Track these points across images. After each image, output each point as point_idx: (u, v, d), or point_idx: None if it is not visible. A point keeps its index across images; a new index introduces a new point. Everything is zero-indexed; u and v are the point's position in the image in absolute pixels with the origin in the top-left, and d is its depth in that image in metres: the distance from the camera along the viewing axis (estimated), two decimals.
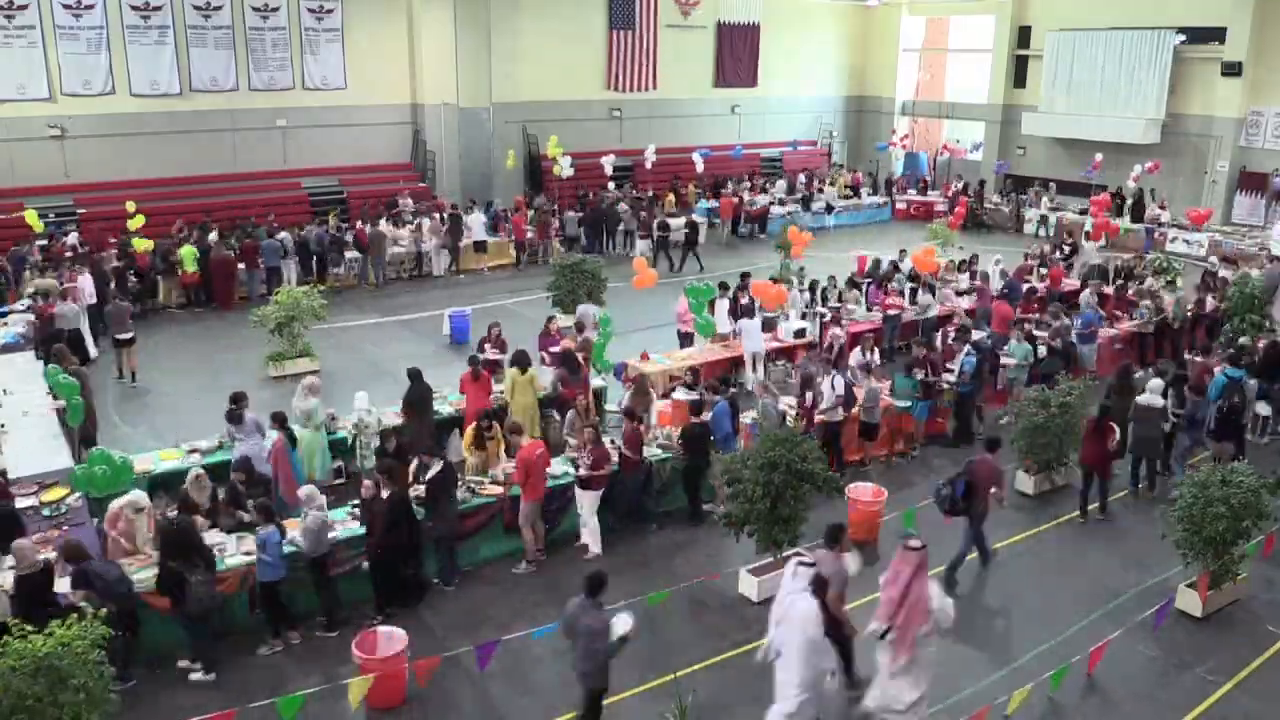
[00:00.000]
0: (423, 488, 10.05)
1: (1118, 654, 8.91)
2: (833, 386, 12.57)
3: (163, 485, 10.86)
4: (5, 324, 16.20)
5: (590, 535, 10.86)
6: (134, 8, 23.43)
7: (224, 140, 25.25)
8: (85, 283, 17.70)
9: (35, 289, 17.29)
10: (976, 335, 15.26)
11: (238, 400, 11.37)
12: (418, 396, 12.31)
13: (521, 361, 12.76)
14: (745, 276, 17.15)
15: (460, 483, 10.54)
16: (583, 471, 10.62)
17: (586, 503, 10.79)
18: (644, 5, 30.36)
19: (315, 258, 21.59)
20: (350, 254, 22.18)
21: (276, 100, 25.70)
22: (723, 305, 16.40)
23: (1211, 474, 9.64)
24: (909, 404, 13.39)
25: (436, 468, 9.89)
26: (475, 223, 23.75)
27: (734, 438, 11.90)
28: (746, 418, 12.40)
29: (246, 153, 25.59)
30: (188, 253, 20.03)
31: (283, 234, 21.29)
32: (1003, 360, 14.67)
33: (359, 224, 22.73)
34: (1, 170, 22.57)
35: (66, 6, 22.63)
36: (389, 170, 28.07)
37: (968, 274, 19.27)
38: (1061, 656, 8.84)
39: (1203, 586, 9.66)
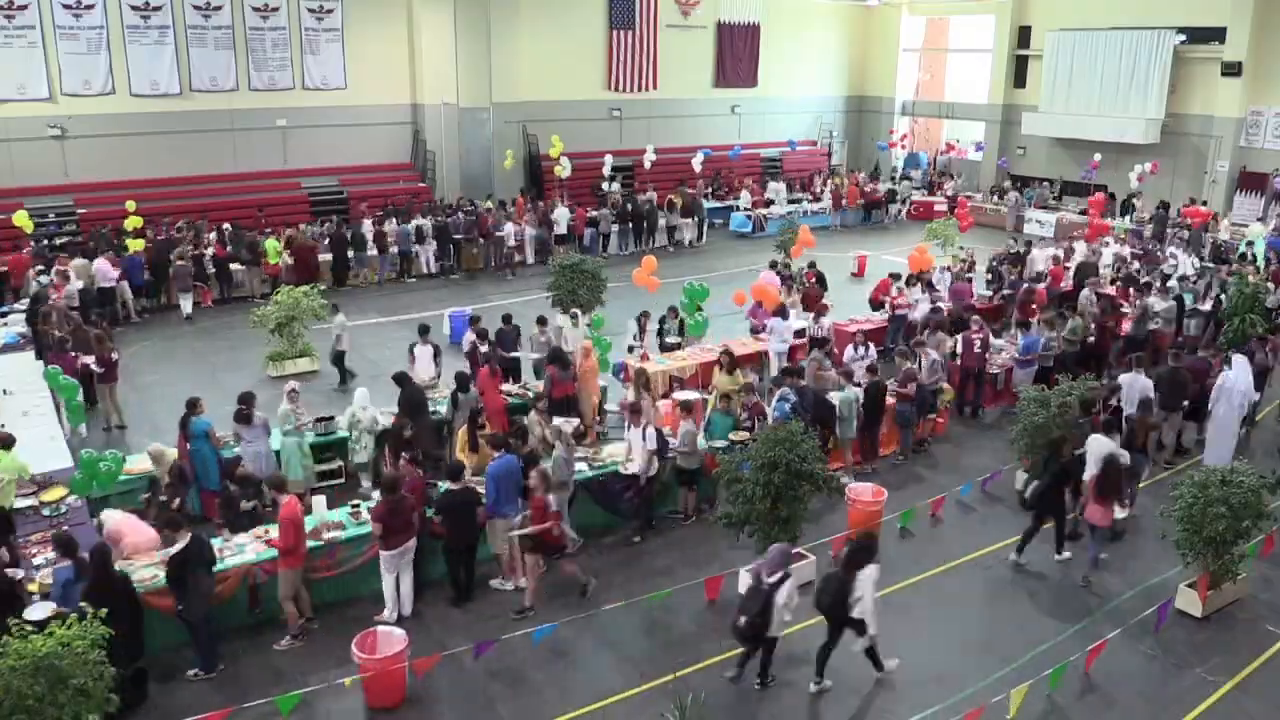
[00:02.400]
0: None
1: (1117, 654, 8.91)
2: (644, 438, 11.04)
3: (159, 485, 10.82)
4: (5, 324, 16.24)
5: (389, 600, 9.47)
6: (134, 8, 23.42)
7: (224, 140, 25.24)
8: (104, 266, 18.67)
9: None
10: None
11: (246, 401, 11.37)
12: (411, 399, 12.31)
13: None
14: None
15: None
16: (377, 529, 9.26)
17: (383, 562, 9.38)
18: (644, 5, 30.35)
19: (453, 244, 23.16)
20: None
21: (276, 100, 25.69)
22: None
23: (1211, 474, 9.64)
24: (725, 446, 11.57)
25: (180, 543, 8.46)
26: (562, 218, 24.55)
27: (514, 505, 9.82)
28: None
29: (246, 153, 25.58)
30: (271, 245, 20.84)
31: (418, 220, 22.77)
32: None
33: (483, 212, 24.33)
34: (1, 170, 22.56)
35: (66, 6, 22.63)
36: (389, 170, 28.06)
37: (919, 285, 17.97)
38: (1061, 656, 8.84)
39: (1203, 586, 9.66)
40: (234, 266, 21.04)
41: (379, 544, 9.31)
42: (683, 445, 11.24)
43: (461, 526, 9.66)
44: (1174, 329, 16.88)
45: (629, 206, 26.11)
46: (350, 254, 22.01)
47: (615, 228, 25.72)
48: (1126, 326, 16.33)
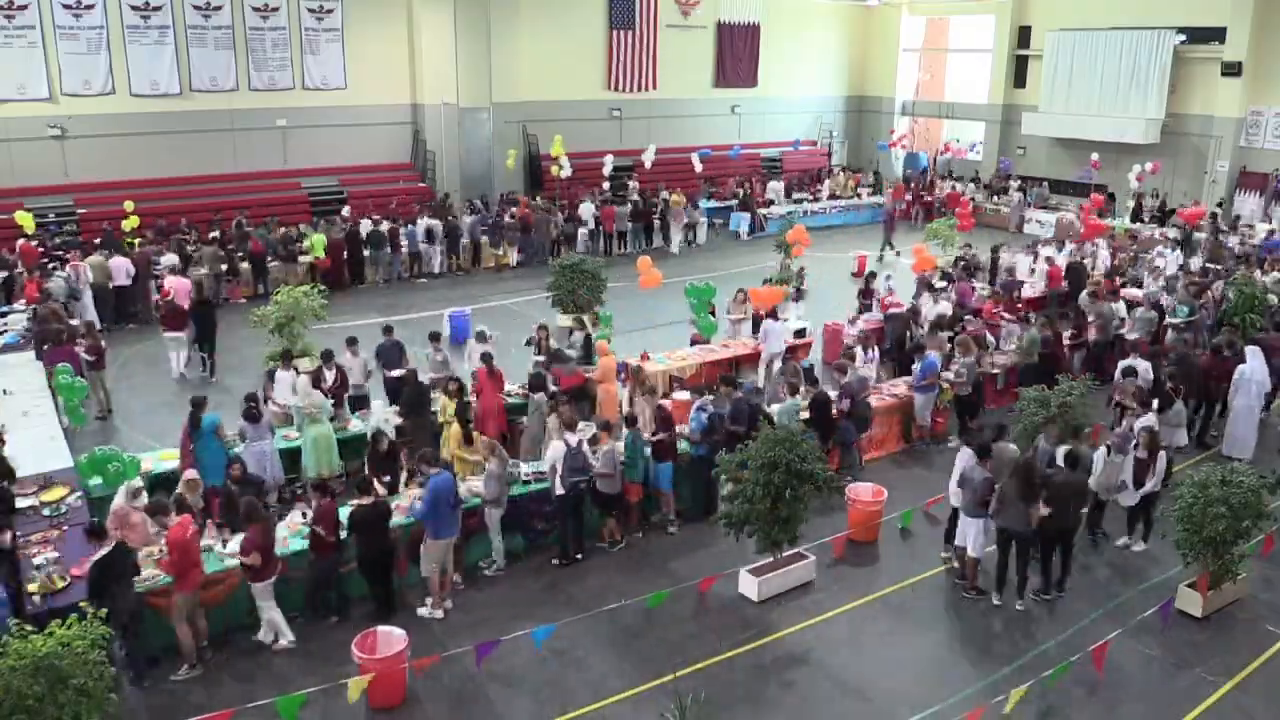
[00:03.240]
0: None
1: (1118, 654, 8.91)
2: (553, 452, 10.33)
3: (162, 485, 10.83)
4: (5, 324, 16.22)
5: (268, 626, 9.06)
6: (134, 8, 23.43)
7: (224, 140, 25.25)
8: (119, 263, 18.99)
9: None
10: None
11: (254, 399, 11.50)
12: (412, 397, 12.31)
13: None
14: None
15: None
16: (245, 559, 8.80)
17: (258, 593, 8.96)
18: (644, 5, 30.36)
19: (472, 242, 23.59)
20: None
21: (276, 100, 25.70)
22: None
23: (1211, 474, 9.64)
24: (638, 469, 10.94)
25: (105, 549, 8.17)
26: (586, 212, 25.06)
27: (451, 526, 9.54)
28: (473, 489, 10.32)
29: (246, 153, 25.59)
30: (318, 240, 21.33)
31: (426, 220, 23.12)
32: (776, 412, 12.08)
33: (520, 208, 24.85)
34: (1, 170, 22.57)
35: (66, 6, 22.64)
36: (389, 170, 28.07)
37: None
38: (1062, 656, 8.84)
39: (1203, 586, 9.66)
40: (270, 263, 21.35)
41: (252, 574, 8.81)
42: (604, 467, 10.51)
43: (373, 542, 9.35)
44: (1150, 339, 15.73)
45: (643, 205, 26.35)
46: (366, 252, 22.34)
47: (630, 226, 26.02)
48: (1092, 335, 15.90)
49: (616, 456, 10.67)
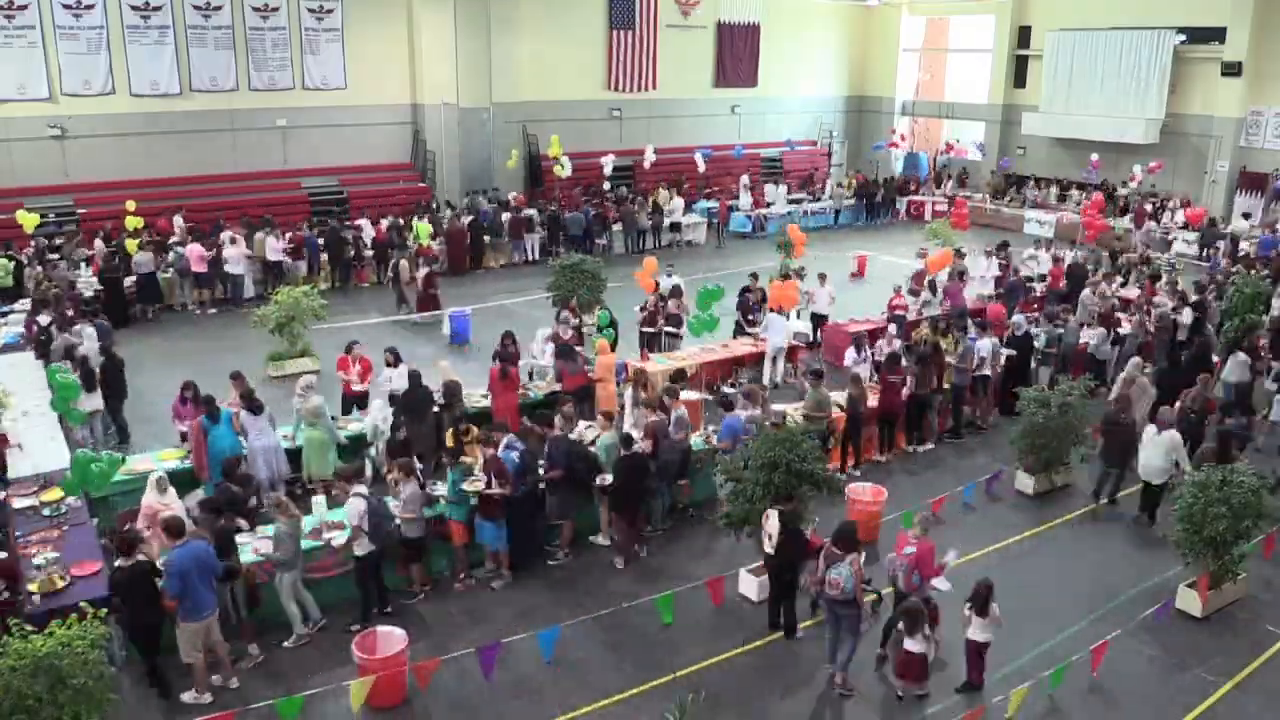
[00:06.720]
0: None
1: (1118, 654, 8.91)
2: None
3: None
4: (5, 324, 16.23)
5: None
6: (134, 8, 23.42)
7: (224, 140, 25.23)
8: (272, 242, 20.79)
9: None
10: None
11: (250, 394, 11.58)
12: (412, 400, 12.31)
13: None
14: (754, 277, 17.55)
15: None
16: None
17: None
18: (644, 5, 30.35)
19: (585, 234, 24.72)
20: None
21: (276, 100, 25.69)
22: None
23: (1211, 474, 9.64)
24: (452, 507, 10.04)
25: (127, 562, 8.05)
26: (677, 206, 26.76)
27: (208, 604, 8.17)
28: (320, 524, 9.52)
29: (246, 153, 25.58)
30: (422, 228, 22.33)
31: (528, 211, 24.84)
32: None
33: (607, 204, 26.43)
34: (1, 170, 22.56)
35: (66, 6, 22.62)
36: (389, 170, 28.07)
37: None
38: (1061, 656, 8.84)
39: (1203, 586, 9.67)
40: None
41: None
42: (406, 510, 9.61)
43: (136, 608, 8.19)
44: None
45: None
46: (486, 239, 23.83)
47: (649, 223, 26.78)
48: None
49: (420, 499, 9.79)
